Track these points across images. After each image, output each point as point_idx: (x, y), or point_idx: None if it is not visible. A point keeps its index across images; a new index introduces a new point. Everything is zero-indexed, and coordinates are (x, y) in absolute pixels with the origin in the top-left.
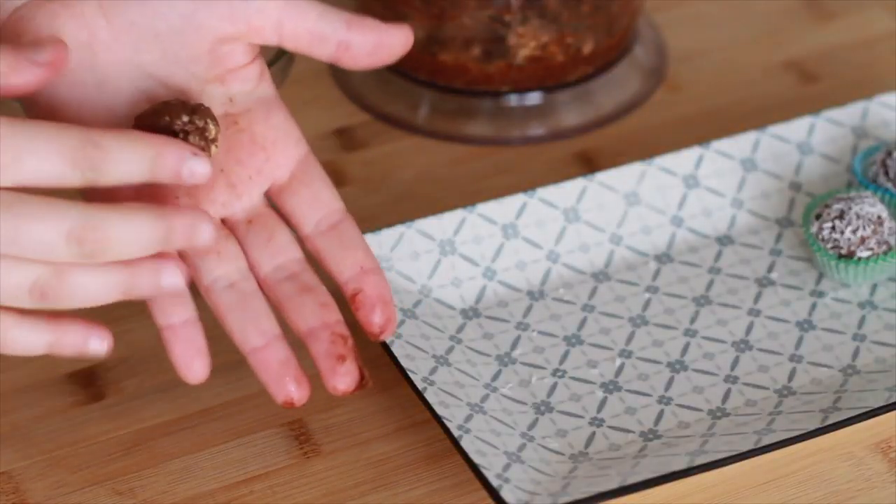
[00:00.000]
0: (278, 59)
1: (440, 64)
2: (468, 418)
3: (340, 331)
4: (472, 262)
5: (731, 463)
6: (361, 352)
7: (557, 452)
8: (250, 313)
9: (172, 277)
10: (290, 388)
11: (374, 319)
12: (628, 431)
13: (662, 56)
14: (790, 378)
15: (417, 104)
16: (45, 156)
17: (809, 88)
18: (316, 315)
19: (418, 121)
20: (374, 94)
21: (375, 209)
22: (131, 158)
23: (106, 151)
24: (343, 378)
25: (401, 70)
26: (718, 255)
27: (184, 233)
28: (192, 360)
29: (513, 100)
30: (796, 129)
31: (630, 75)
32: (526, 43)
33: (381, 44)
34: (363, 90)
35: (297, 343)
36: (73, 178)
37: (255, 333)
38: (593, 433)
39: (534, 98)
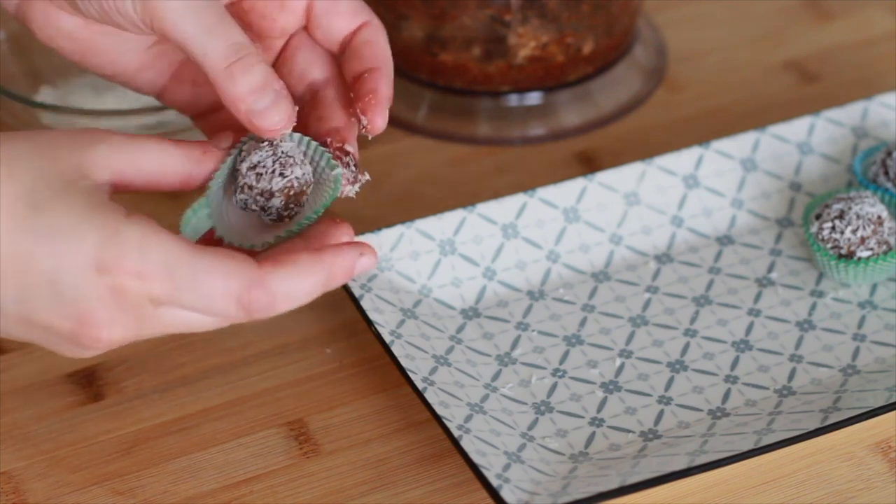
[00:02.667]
0: None
1: (440, 64)
2: (468, 418)
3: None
4: (472, 262)
5: (731, 463)
6: (361, 352)
7: (557, 452)
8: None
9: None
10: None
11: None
12: (628, 431)
13: (662, 56)
14: (790, 378)
15: (418, 104)
16: (213, 291)
17: (809, 88)
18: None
19: (418, 121)
20: None
21: (375, 209)
22: (300, 290)
23: (272, 295)
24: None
25: (401, 70)
26: (718, 255)
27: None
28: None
29: (513, 100)
30: (796, 129)
31: (630, 75)
32: (526, 43)
33: None
34: None
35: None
36: (237, 316)
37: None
38: (593, 433)
39: (534, 98)
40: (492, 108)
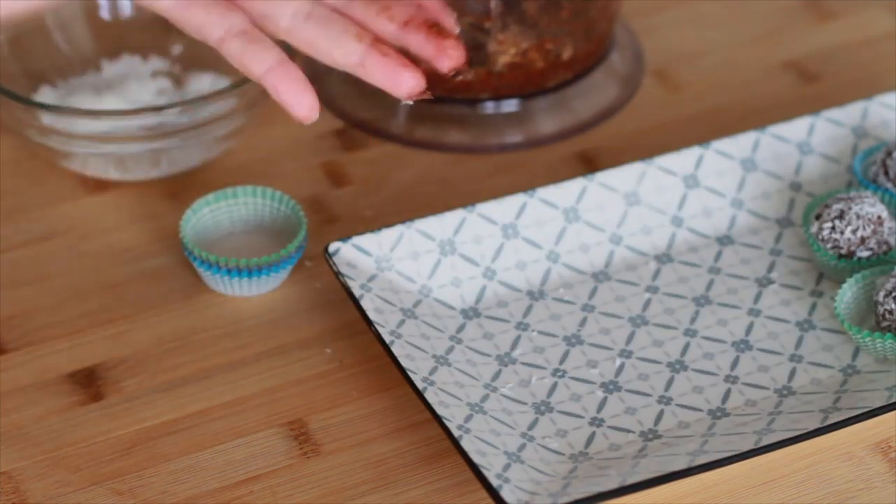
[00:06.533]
0: None
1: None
2: (468, 418)
3: (430, 19)
4: (472, 262)
5: (731, 463)
6: (361, 352)
7: (557, 452)
8: (338, 28)
9: None
10: (407, 75)
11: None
12: (628, 431)
13: (640, 61)
14: (790, 378)
15: (395, 113)
16: None
17: (809, 88)
18: (403, 11)
19: (396, 129)
20: (349, 103)
21: (375, 209)
22: None
23: None
24: (452, 53)
25: None
26: (718, 255)
27: None
28: (300, 95)
29: (489, 107)
30: (796, 129)
31: (607, 81)
32: (506, 50)
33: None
34: (339, 99)
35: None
36: None
37: (353, 42)
38: (593, 433)
39: (511, 105)
40: (469, 116)
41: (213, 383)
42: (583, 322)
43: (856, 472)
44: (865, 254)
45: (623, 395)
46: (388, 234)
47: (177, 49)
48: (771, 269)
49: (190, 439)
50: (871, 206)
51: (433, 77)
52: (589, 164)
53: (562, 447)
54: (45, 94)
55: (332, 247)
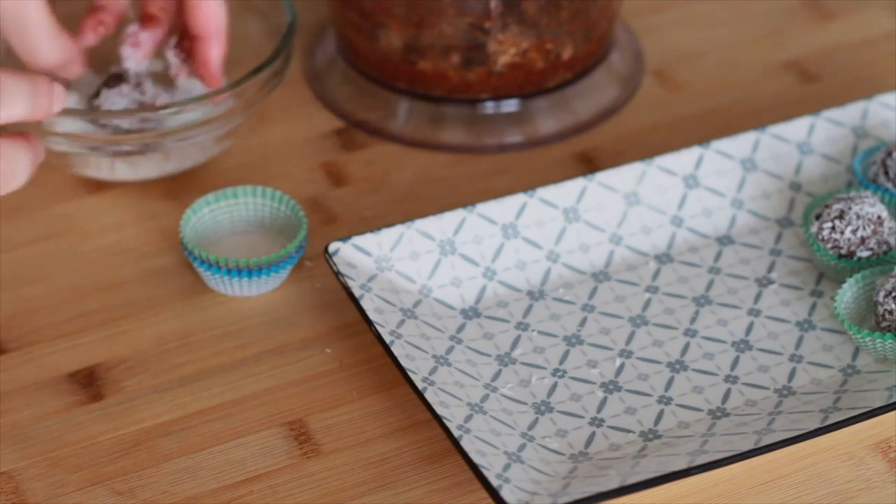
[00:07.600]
0: (274, 60)
1: (419, 73)
2: (468, 418)
3: None
4: (472, 262)
5: (731, 463)
6: (361, 352)
7: (557, 452)
8: None
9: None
10: None
11: None
12: (628, 431)
13: (640, 61)
14: (790, 378)
15: (395, 112)
16: None
17: (809, 88)
18: None
19: (395, 129)
20: (349, 103)
21: (375, 209)
22: (17, 90)
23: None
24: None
25: (379, 79)
26: (718, 255)
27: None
28: None
29: (490, 107)
30: (796, 129)
31: (607, 81)
32: (506, 49)
33: None
34: (339, 99)
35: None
36: None
37: None
38: (593, 433)
39: (511, 105)
40: (469, 115)
41: (213, 383)
42: (583, 322)
43: (856, 472)
44: (865, 254)
45: (623, 395)
46: (388, 234)
47: None
48: (771, 269)
49: (190, 439)
50: (871, 206)
51: (434, 77)
52: (589, 164)
53: (562, 447)
54: None
55: (332, 247)
